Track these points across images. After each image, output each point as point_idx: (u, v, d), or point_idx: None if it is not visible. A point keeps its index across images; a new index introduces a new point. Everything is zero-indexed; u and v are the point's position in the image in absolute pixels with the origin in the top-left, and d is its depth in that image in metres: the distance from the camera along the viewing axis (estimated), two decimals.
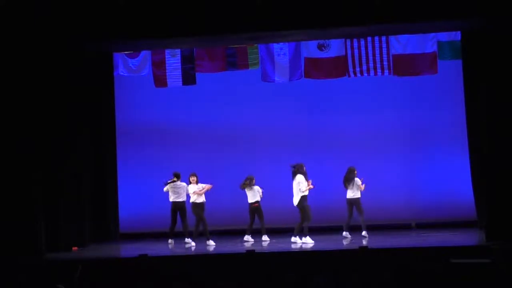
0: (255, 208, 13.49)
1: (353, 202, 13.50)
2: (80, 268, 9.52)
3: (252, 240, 13.42)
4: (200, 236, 13.48)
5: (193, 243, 13.27)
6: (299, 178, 12.94)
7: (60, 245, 12.72)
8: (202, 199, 13.51)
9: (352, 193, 13.49)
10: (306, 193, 12.96)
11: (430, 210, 14.83)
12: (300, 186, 12.86)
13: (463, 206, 14.35)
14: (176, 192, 13.57)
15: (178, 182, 13.59)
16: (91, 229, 14.20)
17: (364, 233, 13.36)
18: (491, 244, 10.83)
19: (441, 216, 14.69)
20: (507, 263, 9.17)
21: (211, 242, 13.22)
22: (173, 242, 13.53)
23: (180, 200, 13.58)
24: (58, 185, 12.87)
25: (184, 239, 13.45)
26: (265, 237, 13.42)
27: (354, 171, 13.51)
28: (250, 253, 11.00)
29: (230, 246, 12.84)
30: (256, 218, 13.53)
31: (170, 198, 13.59)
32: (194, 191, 13.43)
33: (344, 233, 13.46)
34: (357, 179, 13.51)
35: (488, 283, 8.50)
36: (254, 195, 13.52)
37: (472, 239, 12.53)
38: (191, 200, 13.55)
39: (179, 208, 13.57)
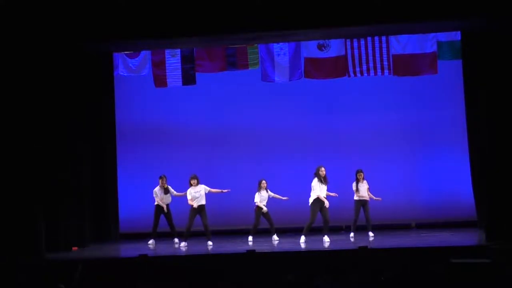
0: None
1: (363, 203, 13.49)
2: (80, 268, 9.52)
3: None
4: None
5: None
6: (314, 181, 12.90)
7: (60, 245, 12.72)
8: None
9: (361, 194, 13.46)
10: (320, 195, 12.86)
11: (430, 210, 14.83)
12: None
13: (463, 206, 14.35)
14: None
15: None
16: (91, 229, 14.20)
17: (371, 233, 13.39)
18: (491, 244, 10.83)
19: (441, 216, 14.70)
20: (507, 263, 9.16)
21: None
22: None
23: None
24: (58, 185, 12.86)
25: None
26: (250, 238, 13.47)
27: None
28: (250, 253, 11.00)
29: (230, 246, 12.84)
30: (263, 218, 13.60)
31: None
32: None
33: (351, 233, 13.45)
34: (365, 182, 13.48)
35: (488, 283, 8.49)
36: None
37: (472, 239, 12.53)
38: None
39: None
